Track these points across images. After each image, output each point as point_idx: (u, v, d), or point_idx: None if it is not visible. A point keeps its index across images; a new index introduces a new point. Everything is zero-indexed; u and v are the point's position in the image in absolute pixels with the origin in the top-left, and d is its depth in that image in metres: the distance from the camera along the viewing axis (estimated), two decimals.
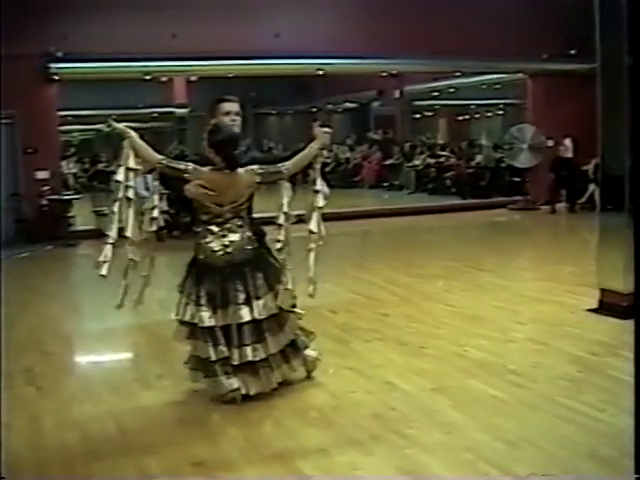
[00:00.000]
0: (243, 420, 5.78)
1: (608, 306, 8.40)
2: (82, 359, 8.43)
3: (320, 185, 6.13)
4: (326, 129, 6.18)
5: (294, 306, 6.34)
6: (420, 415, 5.76)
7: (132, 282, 6.08)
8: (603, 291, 8.56)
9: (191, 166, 5.97)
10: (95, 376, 7.37)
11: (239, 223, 6.12)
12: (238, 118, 6.48)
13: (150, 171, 6.16)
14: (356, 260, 13.55)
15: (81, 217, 17.67)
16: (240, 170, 5.99)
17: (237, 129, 6.38)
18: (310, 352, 6.52)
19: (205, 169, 5.95)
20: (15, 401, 6.42)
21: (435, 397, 6.13)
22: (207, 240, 6.07)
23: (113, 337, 8.84)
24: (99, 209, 18.45)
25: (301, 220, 6.11)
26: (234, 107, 6.48)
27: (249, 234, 6.16)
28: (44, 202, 16.68)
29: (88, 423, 5.90)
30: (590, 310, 8.58)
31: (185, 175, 5.95)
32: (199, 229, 6.14)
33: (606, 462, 4.79)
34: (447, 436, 5.33)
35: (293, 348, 6.32)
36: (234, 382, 6.01)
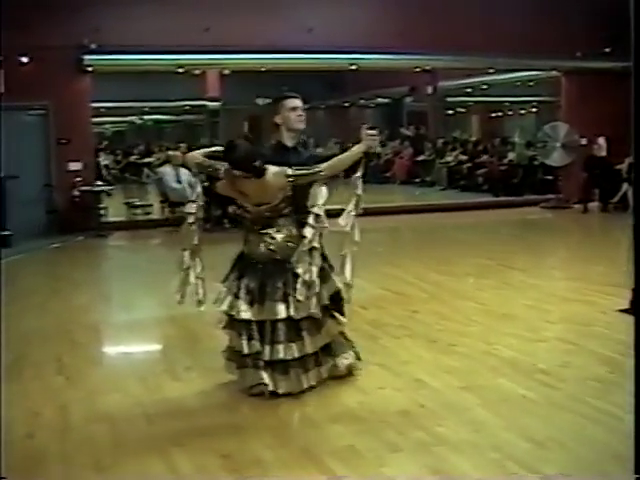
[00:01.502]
0: (271, 414, 5.79)
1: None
2: (111, 350, 8.46)
3: (360, 190, 6.03)
4: (373, 132, 6.00)
5: (338, 310, 6.33)
6: (448, 413, 5.74)
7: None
8: (635, 292, 8.48)
9: (224, 167, 5.97)
10: (123, 367, 7.42)
11: (282, 222, 6.11)
12: (304, 113, 6.39)
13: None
14: (386, 256, 13.52)
15: (113, 208, 17.79)
16: (269, 173, 5.94)
17: (303, 125, 6.34)
18: (344, 360, 6.42)
19: (237, 172, 5.94)
20: (44, 390, 6.48)
21: (464, 395, 6.10)
22: (250, 237, 6.14)
23: (142, 328, 8.89)
24: (131, 201, 18.58)
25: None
26: (299, 103, 6.37)
27: (294, 232, 6.12)
28: (76, 193, 16.77)
29: (116, 414, 5.92)
30: (621, 310, 8.51)
31: (218, 175, 5.98)
32: (244, 225, 6.21)
33: (632, 464, 4.75)
34: (475, 434, 5.30)
35: (326, 353, 6.29)
36: (264, 376, 6.01)
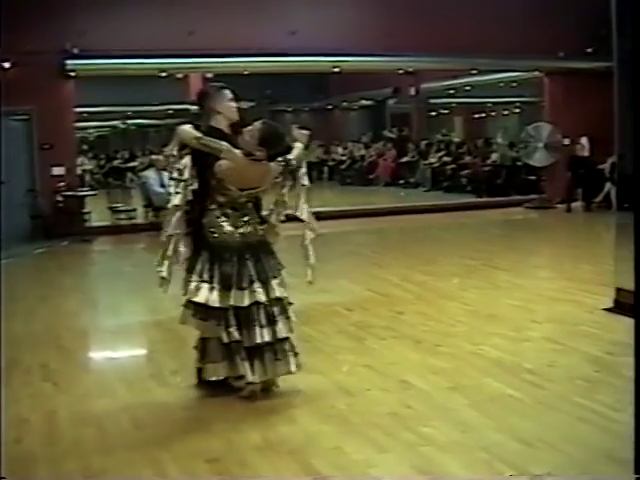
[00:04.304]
0: (258, 417, 5.78)
1: (624, 306, 8.36)
2: (98, 355, 8.44)
3: (307, 182, 6.32)
4: (304, 131, 6.37)
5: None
6: (436, 414, 5.75)
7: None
8: (619, 290, 8.52)
9: (226, 146, 5.96)
10: (111, 372, 7.39)
11: (250, 207, 6.17)
12: None
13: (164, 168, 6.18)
14: (372, 258, 13.53)
15: (96, 213, 17.74)
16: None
17: (237, 116, 6.43)
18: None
19: (238, 152, 5.95)
20: (31, 396, 6.46)
21: (451, 396, 6.12)
22: (222, 221, 6.06)
23: (128, 333, 8.87)
24: (114, 205, 18.53)
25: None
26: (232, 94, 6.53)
27: (258, 219, 6.22)
28: (60, 198, 16.73)
29: (103, 418, 5.91)
30: (606, 309, 8.54)
31: (220, 154, 5.94)
32: (213, 211, 6.11)
33: (622, 463, 4.75)
34: (463, 435, 5.31)
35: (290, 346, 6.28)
36: (247, 370, 5.99)
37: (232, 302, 5.96)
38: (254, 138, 5.93)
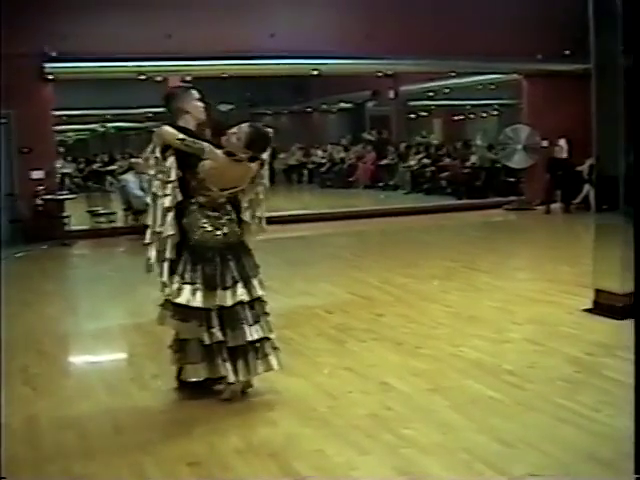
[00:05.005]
0: (239, 420, 5.78)
1: (603, 306, 8.40)
2: (78, 359, 8.41)
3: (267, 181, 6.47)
4: (269, 130, 6.37)
5: None
6: (416, 415, 5.76)
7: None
8: (598, 292, 8.56)
9: (208, 147, 5.97)
10: (91, 376, 7.37)
11: (229, 207, 6.18)
12: None
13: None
14: (352, 260, 13.53)
15: (76, 217, 17.67)
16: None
17: (204, 116, 6.45)
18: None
19: (219, 152, 5.97)
20: (12, 401, 6.42)
21: (431, 397, 6.13)
22: (203, 222, 6.06)
23: (109, 337, 8.84)
24: (94, 209, 18.49)
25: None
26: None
27: (237, 220, 6.23)
28: (39, 202, 16.65)
29: (84, 423, 5.90)
30: (586, 310, 8.58)
31: (202, 154, 5.94)
32: (193, 212, 6.11)
33: (603, 463, 4.79)
34: (443, 436, 5.33)
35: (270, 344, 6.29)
36: (228, 371, 5.99)
37: (217, 302, 5.96)
38: (241, 140, 5.94)
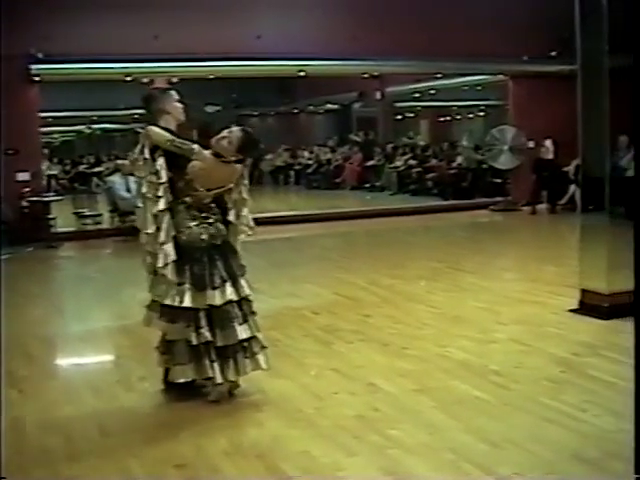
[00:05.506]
0: (226, 422, 5.78)
1: (589, 307, 8.42)
2: (64, 361, 8.40)
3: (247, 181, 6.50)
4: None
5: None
6: (403, 416, 5.77)
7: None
8: (584, 292, 8.58)
9: (197, 147, 5.99)
10: (77, 378, 7.36)
11: (216, 208, 6.21)
12: None
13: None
14: (338, 261, 13.52)
15: (62, 219, 17.62)
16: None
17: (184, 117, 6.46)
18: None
19: (207, 153, 6.01)
20: None
21: (418, 398, 6.14)
22: (190, 223, 6.07)
23: (95, 339, 8.81)
24: (80, 211, 18.44)
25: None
26: None
27: (222, 220, 6.25)
28: (25, 204, 16.59)
29: (70, 425, 5.89)
30: (571, 310, 8.60)
31: (191, 155, 5.94)
32: (180, 212, 6.10)
33: (589, 462, 4.80)
34: (430, 437, 5.34)
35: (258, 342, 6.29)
36: (216, 372, 5.99)
37: (208, 302, 5.96)
38: (232, 145, 5.97)
